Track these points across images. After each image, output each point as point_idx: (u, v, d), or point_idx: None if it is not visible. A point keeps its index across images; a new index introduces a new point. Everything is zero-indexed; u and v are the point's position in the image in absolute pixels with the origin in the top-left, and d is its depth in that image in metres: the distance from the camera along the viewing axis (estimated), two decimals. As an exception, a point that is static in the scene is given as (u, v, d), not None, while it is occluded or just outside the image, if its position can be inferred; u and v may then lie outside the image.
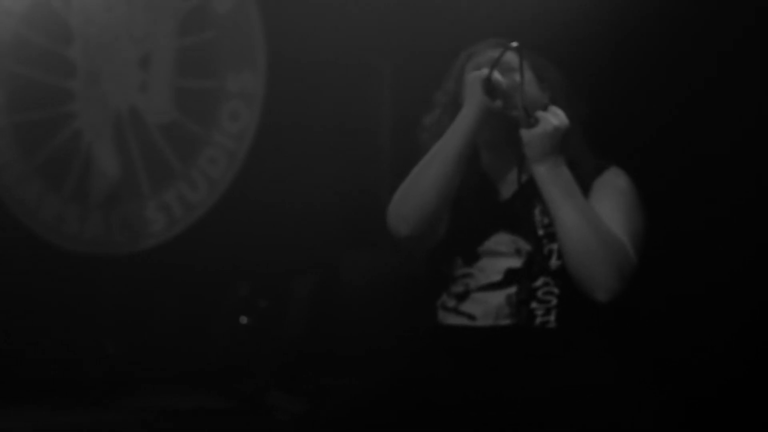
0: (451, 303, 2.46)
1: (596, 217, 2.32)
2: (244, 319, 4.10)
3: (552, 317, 2.35)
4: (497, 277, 2.41)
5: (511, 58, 2.47)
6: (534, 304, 2.36)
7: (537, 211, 2.43)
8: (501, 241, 2.43)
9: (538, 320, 2.35)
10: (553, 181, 2.34)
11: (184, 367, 4.23)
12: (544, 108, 2.40)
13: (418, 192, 2.39)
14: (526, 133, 2.36)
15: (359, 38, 4.11)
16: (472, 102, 2.39)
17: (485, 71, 2.37)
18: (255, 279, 4.20)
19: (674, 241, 3.04)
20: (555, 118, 2.36)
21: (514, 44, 2.38)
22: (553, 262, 2.38)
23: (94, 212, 4.79)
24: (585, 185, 2.41)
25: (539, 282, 2.38)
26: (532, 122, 2.35)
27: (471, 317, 2.40)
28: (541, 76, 2.54)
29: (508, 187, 2.52)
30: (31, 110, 4.90)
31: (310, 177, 4.21)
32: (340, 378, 3.57)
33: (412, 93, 2.84)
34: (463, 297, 2.44)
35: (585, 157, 2.49)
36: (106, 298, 4.55)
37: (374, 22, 4.06)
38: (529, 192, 2.43)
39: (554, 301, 2.36)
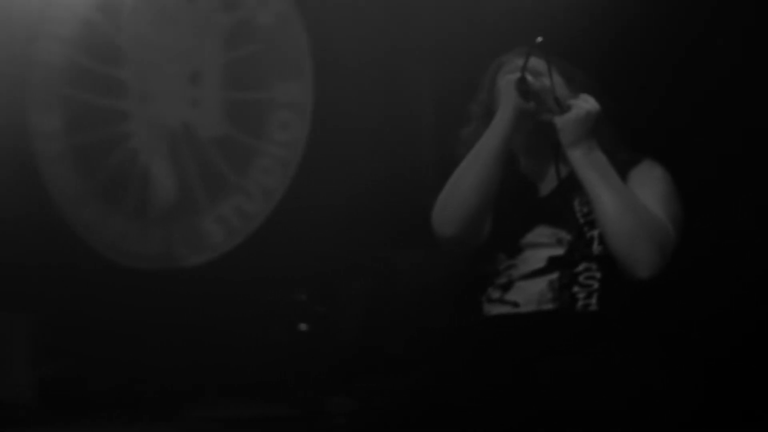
0: (496, 294, 2.52)
1: (634, 197, 2.38)
2: (303, 326, 4.14)
3: (593, 300, 2.39)
4: (540, 264, 2.46)
5: (539, 64, 2.51)
6: (575, 288, 2.40)
7: (576, 203, 2.49)
8: (542, 233, 2.49)
9: (580, 303, 2.39)
10: (589, 163, 2.41)
11: (246, 377, 4.28)
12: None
13: (460, 194, 2.47)
14: (559, 120, 2.44)
15: (400, 44, 4.14)
16: (507, 104, 2.46)
17: (518, 74, 2.44)
18: (311, 285, 4.24)
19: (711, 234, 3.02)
20: (586, 103, 2.44)
21: (539, 39, 2.43)
22: (595, 248, 2.43)
23: (154, 228, 4.88)
24: (622, 175, 2.45)
25: (581, 267, 2.43)
26: (564, 109, 2.42)
27: (515, 305, 2.46)
28: (571, 79, 2.59)
29: (547, 185, 2.59)
30: (87, 132, 5.03)
31: (359, 181, 4.23)
32: (397, 380, 3.58)
33: (453, 97, 2.87)
34: (507, 287, 2.50)
35: (620, 149, 2.55)
36: (168, 311, 4.63)
37: (414, 28, 4.08)
38: (568, 186, 2.51)
39: (596, 285, 2.40)
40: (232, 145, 4.77)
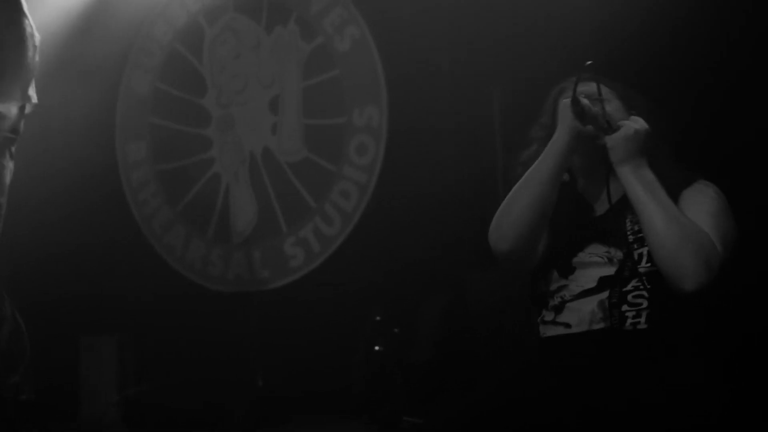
0: (550, 316, 2.56)
1: (680, 213, 2.40)
2: (378, 346, 4.19)
3: (642, 319, 2.40)
4: (591, 284, 2.49)
5: (592, 87, 2.56)
6: (625, 307, 2.42)
7: (628, 221, 2.52)
8: (594, 251, 2.52)
9: (629, 322, 2.41)
10: (637, 179, 2.44)
11: (328, 398, 4.34)
12: None
13: (516, 211, 2.51)
14: (609, 139, 2.49)
15: (471, 67, 4.18)
16: (564, 126, 2.52)
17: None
18: (388, 305, 4.28)
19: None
20: (635, 123, 2.49)
21: (589, 62, 2.48)
22: (643, 266, 2.44)
23: (237, 252, 4.99)
24: (674, 195, 2.48)
25: (630, 286, 2.44)
26: (615, 129, 2.49)
27: (567, 326, 2.50)
28: (629, 104, 2.64)
29: (601, 205, 2.63)
30: (172, 159, 5.18)
31: (433, 202, 4.27)
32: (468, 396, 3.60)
33: (523, 119, 2.91)
34: (559, 309, 2.53)
35: (673, 169, 2.57)
36: (253, 333, 4.72)
37: (485, 50, 4.12)
38: (621, 206, 2.54)
39: (644, 304, 2.42)
40: (311, 170, 4.85)
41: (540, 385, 2.39)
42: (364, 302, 4.39)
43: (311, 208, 4.84)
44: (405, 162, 4.52)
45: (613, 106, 2.59)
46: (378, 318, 4.29)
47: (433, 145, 4.35)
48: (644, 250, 2.44)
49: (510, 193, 2.56)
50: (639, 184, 2.43)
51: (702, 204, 2.48)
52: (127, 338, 4.88)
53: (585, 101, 2.48)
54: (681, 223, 2.36)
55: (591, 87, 2.55)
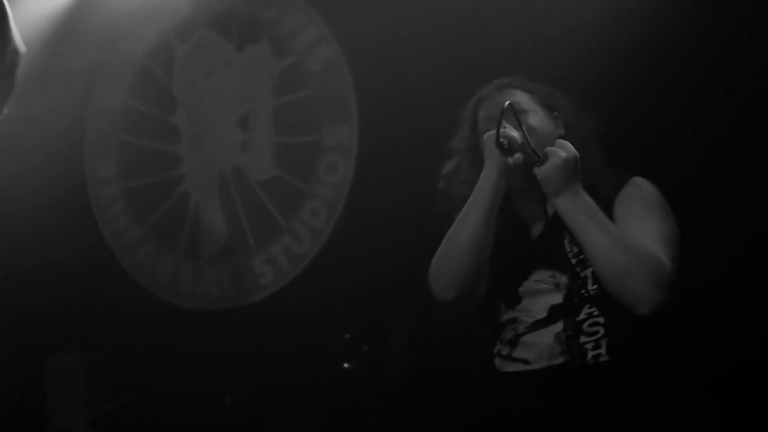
0: (505, 350, 2.53)
1: (623, 236, 2.35)
2: (346, 365, 4.19)
3: (603, 350, 2.36)
4: (542, 314, 2.46)
5: (521, 99, 2.56)
6: (583, 338, 2.39)
7: (566, 242, 2.48)
8: (539, 278, 2.49)
9: (590, 354, 2.37)
10: (575, 209, 2.40)
11: (297, 417, 4.34)
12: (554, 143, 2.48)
13: (454, 258, 2.48)
14: (538, 171, 2.44)
15: (444, 85, 4.20)
16: (491, 163, 2.48)
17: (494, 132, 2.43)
18: (357, 323, 4.29)
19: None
20: (562, 150, 2.43)
21: (507, 103, 2.46)
22: (591, 288, 2.41)
23: (206, 269, 4.98)
24: (608, 204, 2.46)
25: (583, 314, 2.41)
26: (542, 159, 2.44)
27: (526, 362, 2.47)
28: (552, 104, 2.61)
29: (538, 224, 2.59)
30: (142, 176, 5.16)
31: (404, 221, 4.28)
32: (441, 415, 3.61)
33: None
34: (514, 343, 2.50)
35: (603, 178, 2.55)
36: (221, 351, 4.71)
37: (458, 70, 4.14)
38: (558, 224, 2.50)
39: (601, 331, 2.39)
40: (281, 188, 4.85)
41: (504, 420, 2.38)
42: (333, 320, 4.38)
43: (281, 226, 4.83)
44: (375, 181, 4.52)
45: (538, 120, 2.55)
46: (347, 335, 4.30)
47: (403, 165, 4.35)
48: (588, 272, 2.41)
49: (445, 240, 2.53)
50: (577, 214, 2.39)
51: (639, 211, 2.44)
52: (95, 356, 4.84)
53: (511, 134, 2.43)
54: (626, 247, 2.31)
55: (520, 99, 2.56)
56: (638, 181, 2.53)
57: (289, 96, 4.86)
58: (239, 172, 4.96)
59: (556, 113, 2.60)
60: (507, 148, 2.43)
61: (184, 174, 5.09)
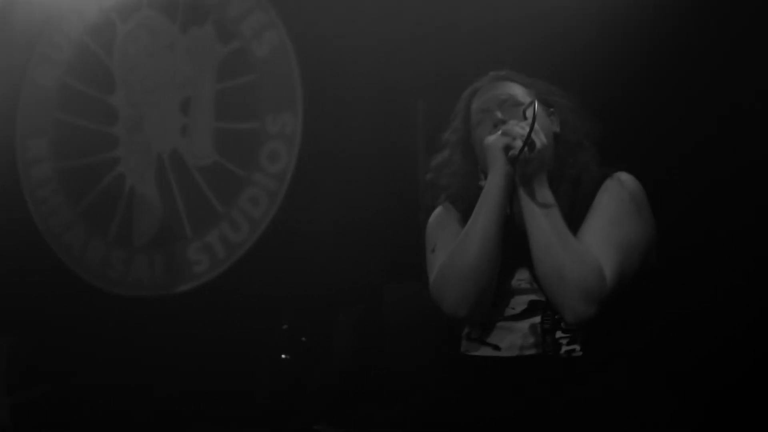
0: (476, 333, 2.46)
1: (570, 238, 2.30)
2: (284, 356, 4.12)
3: (577, 345, 2.32)
4: (522, 307, 2.41)
5: (517, 91, 2.52)
6: (559, 334, 2.33)
7: None
8: (522, 277, 2.43)
9: (564, 349, 2.32)
10: (533, 201, 2.34)
11: (232, 407, 4.26)
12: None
13: (466, 273, 2.36)
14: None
15: (392, 74, 4.16)
16: (496, 171, 2.39)
17: (503, 140, 2.36)
18: (298, 315, 4.22)
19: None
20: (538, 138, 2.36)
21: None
22: None
23: (138, 255, 4.86)
24: (588, 198, 2.41)
25: None
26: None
27: (496, 347, 2.40)
28: (548, 101, 2.57)
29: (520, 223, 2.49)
30: (76, 157, 5.02)
31: (349, 213, 4.22)
32: (387, 409, 3.57)
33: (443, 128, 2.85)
34: (487, 327, 2.43)
35: (591, 170, 2.49)
36: (152, 340, 4.60)
37: (408, 58, 4.11)
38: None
39: (579, 330, 2.32)
40: (220, 174, 4.75)
41: (468, 408, 2.33)
42: (270, 311, 4.31)
43: (218, 214, 4.74)
44: (318, 171, 4.46)
45: (537, 114, 2.50)
46: (285, 326, 4.22)
47: (348, 154, 4.30)
48: None
49: (452, 254, 2.41)
50: (529, 203, 2.34)
51: (606, 210, 2.38)
52: (19, 340, 4.70)
53: (519, 144, 2.34)
54: (568, 248, 2.27)
55: (514, 91, 2.52)
56: (622, 176, 2.46)
57: (232, 81, 4.77)
58: (178, 157, 4.85)
59: (552, 109, 2.56)
60: (515, 157, 2.35)
61: (121, 156, 4.96)
